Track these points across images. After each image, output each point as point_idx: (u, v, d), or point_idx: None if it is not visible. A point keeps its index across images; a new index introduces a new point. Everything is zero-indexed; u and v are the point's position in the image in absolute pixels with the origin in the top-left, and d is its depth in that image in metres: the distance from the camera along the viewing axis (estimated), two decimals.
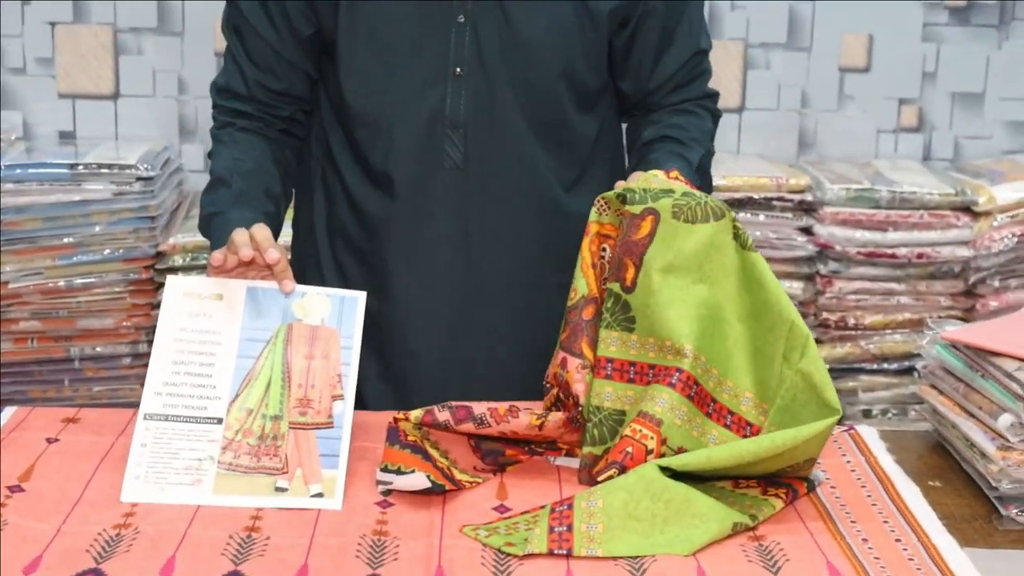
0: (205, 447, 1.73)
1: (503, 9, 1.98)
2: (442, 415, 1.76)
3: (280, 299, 1.81)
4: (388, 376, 2.12)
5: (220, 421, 1.75)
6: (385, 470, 1.72)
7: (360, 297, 1.81)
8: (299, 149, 2.14)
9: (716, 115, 2.17)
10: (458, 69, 1.98)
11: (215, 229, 1.94)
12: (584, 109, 2.08)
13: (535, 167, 2.05)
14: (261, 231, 1.84)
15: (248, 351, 1.78)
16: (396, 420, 1.79)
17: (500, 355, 2.12)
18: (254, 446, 1.73)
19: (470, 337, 2.10)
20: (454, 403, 1.79)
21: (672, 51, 2.10)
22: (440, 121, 2.00)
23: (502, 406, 1.77)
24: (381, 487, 1.73)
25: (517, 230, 2.06)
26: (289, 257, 1.97)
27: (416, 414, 1.79)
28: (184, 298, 1.79)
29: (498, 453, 1.81)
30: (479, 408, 1.77)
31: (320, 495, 1.70)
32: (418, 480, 1.69)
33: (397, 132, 2.02)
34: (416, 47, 1.98)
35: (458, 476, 1.75)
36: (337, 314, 1.81)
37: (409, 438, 1.76)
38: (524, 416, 1.75)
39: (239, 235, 1.83)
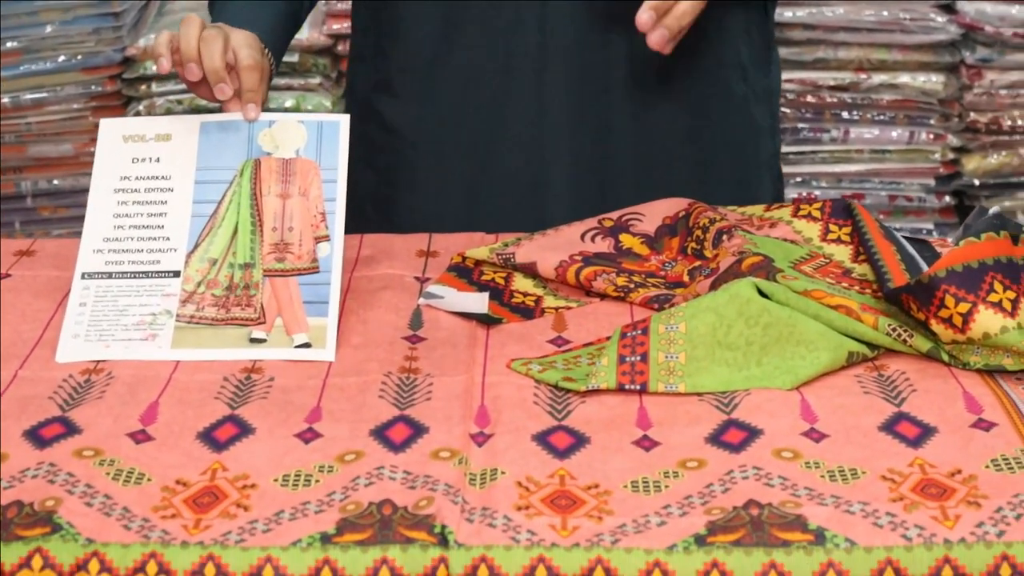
0: (160, 301, 1.75)
1: None
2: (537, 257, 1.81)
3: (244, 131, 1.85)
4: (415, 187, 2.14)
5: (177, 274, 1.78)
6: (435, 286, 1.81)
7: (343, 121, 1.84)
8: None
9: None
10: None
11: (213, 15, 1.93)
12: None
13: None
14: (212, 38, 1.79)
15: (207, 195, 1.83)
16: (463, 257, 1.87)
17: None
18: (221, 297, 1.76)
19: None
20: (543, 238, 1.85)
21: None
22: None
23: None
24: (424, 300, 1.78)
25: None
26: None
27: (483, 252, 1.83)
28: (123, 143, 1.84)
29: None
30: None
31: (307, 345, 1.71)
32: (478, 302, 1.75)
33: None
34: None
35: (548, 303, 1.79)
36: (315, 143, 1.84)
37: (484, 278, 1.81)
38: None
39: (187, 41, 1.79)
